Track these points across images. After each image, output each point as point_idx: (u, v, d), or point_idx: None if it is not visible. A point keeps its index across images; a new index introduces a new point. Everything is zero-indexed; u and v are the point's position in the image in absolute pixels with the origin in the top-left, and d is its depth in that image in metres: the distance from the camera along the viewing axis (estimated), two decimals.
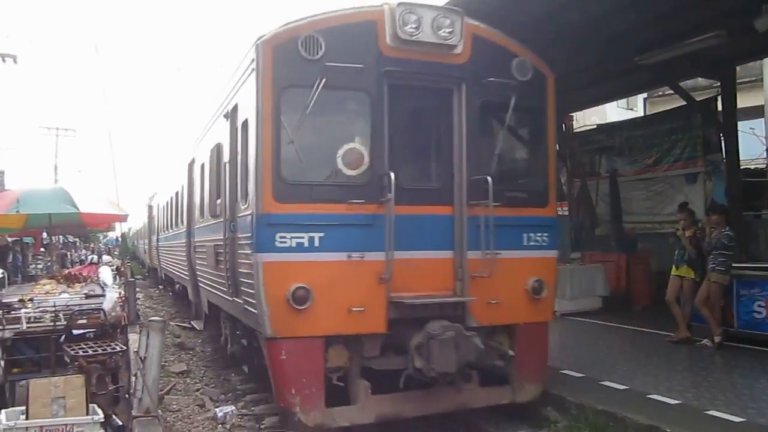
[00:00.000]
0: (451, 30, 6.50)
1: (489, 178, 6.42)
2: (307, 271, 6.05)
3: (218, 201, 8.55)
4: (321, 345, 6.14)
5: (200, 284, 10.79)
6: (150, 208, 25.86)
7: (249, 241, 6.40)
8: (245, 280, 6.72)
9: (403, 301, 6.24)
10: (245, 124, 6.82)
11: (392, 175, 6.10)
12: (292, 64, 6.11)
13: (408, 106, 6.85)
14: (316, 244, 6.13)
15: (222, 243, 7.90)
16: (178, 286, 16.67)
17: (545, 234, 7.11)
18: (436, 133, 7.00)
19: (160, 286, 25.17)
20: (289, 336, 6.09)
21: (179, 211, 14.11)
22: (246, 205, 6.67)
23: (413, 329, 6.11)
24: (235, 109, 7.51)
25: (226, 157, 8.06)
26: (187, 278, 12.55)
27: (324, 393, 6.16)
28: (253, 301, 6.34)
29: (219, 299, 8.87)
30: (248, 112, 6.63)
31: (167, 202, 17.38)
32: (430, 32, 6.43)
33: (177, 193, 14.55)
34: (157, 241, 21.81)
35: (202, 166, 10.30)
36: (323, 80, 6.06)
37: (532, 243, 7.02)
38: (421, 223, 6.56)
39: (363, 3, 6.96)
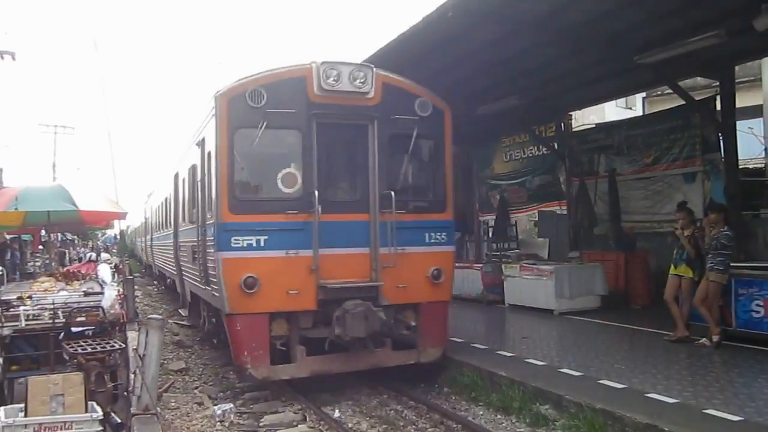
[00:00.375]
0: (364, 80, 8.55)
1: (393, 193, 8.44)
2: (255, 264, 8.06)
3: (194, 210, 10.48)
4: (266, 319, 8.16)
5: (184, 277, 12.71)
6: (145, 210, 27.65)
7: (213, 243, 8.45)
8: (212, 272, 8.71)
9: (327, 286, 8.21)
10: (209, 154, 8.92)
11: (317, 192, 8.13)
12: (241, 111, 8.16)
13: (332, 139, 8.72)
14: (262, 244, 8.15)
15: (197, 244, 9.92)
16: (168, 280, 18.63)
17: (443, 233, 9.10)
18: (354, 158, 8.96)
19: (155, 281, 26.93)
20: (242, 312, 8.14)
21: (168, 215, 16.10)
22: (211, 215, 8.72)
23: (336, 306, 8.09)
24: (203, 141, 9.54)
25: (198, 176, 10.04)
26: (175, 273, 14.49)
27: (269, 355, 8.17)
28: (217, 288, 8.43)
29: (197, 288, 10.76)
30: (211, 145, 8.75)
31: (159, 206, 19.46)
32: (348, 83, 8.47)
33: (166, 199, 16.59)
34: (151, 240, 23.82)
35: (183, 180, 12.26)
36: (265, 122, 8.10)
37: (432, 240, 8.97)
38: (344, 226, 8.52)
39: (297, 61, 9.31)
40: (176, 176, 13.68)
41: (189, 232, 11.22)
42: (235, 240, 8.10)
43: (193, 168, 10.68)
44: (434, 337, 8.89)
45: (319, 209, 8.09)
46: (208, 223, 9.02)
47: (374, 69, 8.68)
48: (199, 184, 9.95)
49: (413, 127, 8.83)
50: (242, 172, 8.36)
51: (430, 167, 9.47)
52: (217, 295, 8.59)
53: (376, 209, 8.61)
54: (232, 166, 8.19)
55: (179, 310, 15.43)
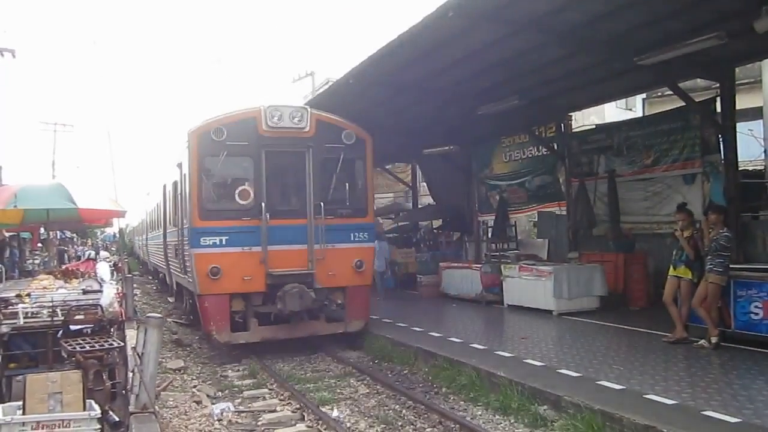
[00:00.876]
0: (300, 118, 11.28)
1: (323, 204, 11.17)
2: (219, 258, 10.71)
3: (176, 216, 13.26)
4: (227, 298, 10.84)
5: (171, 270, 15.58)
6: (143, 210, 30.14)
7: (188, 242, 11.25)
8: (188, 264, 11.51)
9: (273, 273, 10.88)
10: (185, 175, 11.53)
11: (264, 204, 10.83)
12: (207, 143, 10.84)
13: (277, 163, 11.31)
14: (224, 242, 10.79)
15: (179, 243, 12.68)
16: (160, 275, 21.44)
17: (365, 233, 11.83)
18: (295, 177, 11.54)
19: (150, 276, 29.51)
20: (209, 293, 10.85)
21: (158, 219, 18.58)
22: (186, 221, 11.38)
23: (279, 288, 10.75)
24: (180, 164, 12.19)
25: (178, 190, 12.71)
26: (164, 267, 17.61)
27: (230, 324, 10.89)
28: (191, 276, 11.27)
29: (179, 278, 13.85)
30: (186, 169, 11.42)
31: (152, 210, 22.30)
32: (288, 121, 11.19)
33: (157, 205, 19.05)
34: (146, 239, 26.58)
35: (169, 191, 14.80)
36: (225, 152, 10.83)
37: (356, 239, 11.62)
38: (287, 229, 11.11)
39: (251, 104, 11.73)
40: (164, 187, 16.12)
41: (173, 234, 13.88)
42: (204, 239, 10.77)
43: (175, 183, 13.29)
44: (358, 312, 11.72)
45: (267, 216, 10.81)
46: (184, 227, 11.65)
47: (309, 109, 11.55)
48: (179, 196, 12.60)
49: (340, 153, 11.49)
50: (209, 189, 11.06)
51: (354, 183, 11.94)
52: (191, 281, 11.46)
53: (311, 216, 11.23)
54: (201, 184, 10.93)
55: (169, 299, 18.74)
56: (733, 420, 5.81)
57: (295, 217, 11.26)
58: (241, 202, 10.97)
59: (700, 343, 9.11)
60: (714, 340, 8.95)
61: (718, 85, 12.23)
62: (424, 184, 24.83)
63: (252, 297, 11.01)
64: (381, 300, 16.51)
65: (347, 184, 11.78)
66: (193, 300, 12.41)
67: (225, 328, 10.80)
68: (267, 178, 11.04)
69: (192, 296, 12.38)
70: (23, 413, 5.27)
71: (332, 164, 11.45)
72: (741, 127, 12.77)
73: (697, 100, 12.64)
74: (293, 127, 11.17)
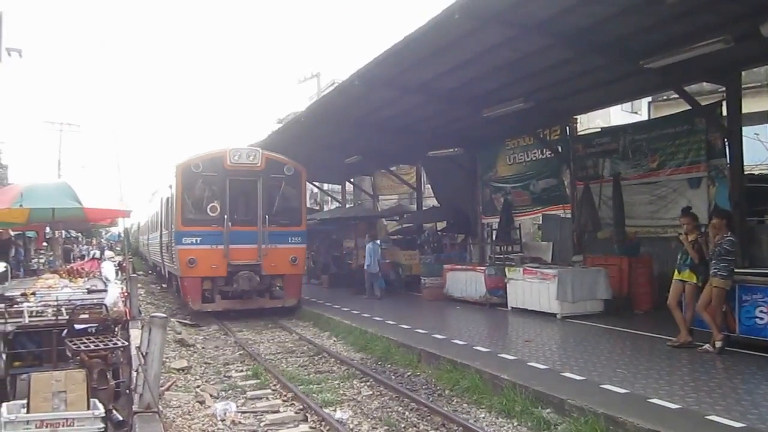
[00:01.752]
0: (254, 156, 16.37)
1: (267, 216, 16.11)
2: (194, 252, 15.49)
3: (167, 222, 18.06)
4: (200, 280, 15.70)
5: (164, 262, 20.52)
6: (146, 215, 34.90)
7: (174, 241, 16.15)
8: (174, 257, 16.28)
9: (232, 263, 15.65)
10: (173, 194, 16.40)
11: (226, 216, 15.72)
12: (189, 174, 15.92)
13: (238, 188, 16.22)
14: (198, 242, 15.61)
15: (169, 242, 17.58)
16: (157, 268, 26.65)
17: (298, 237, 16.72)
18: (250, 198, 16.33)
19: (150, 271, 33.84)
20: (187, 276, 15.71)
21: (157, 223, 22.79)
22: (174, 226, 16.18)
23: (236, 274, 15.58)
24: (171, 186, 16.80)
25: (170, 204, 17.31)
26: (160, 262, 22.52)
27: (201, 298, 15.73)
28: (176, 265, 16.19)
29: (170, 267, 18.89)
30: (174, 190, 16.27)
31: (153, 215, 26.62)
32: (245, 158, 16.25)
33: (156, 213, 23.48)
34: (148, 239, 30.76)
35: (164, 203, 19.30)
36: (201, 179, 15.94)
37: (292, 241, 16.48)
38: (243, 233, 15.90)
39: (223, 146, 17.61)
40: (161, 199, 20.39)
41: (166, 235, 18.60)
42: (185, 239, 15.68)
43: (168, 198, 17.90)
44: (293, 293, 16.59)
45: (229, 224, 15.71)
46: (173, 230, 16.37)
47: (260, 150, 16.78)
48: (170, 209, 17.25)
49: (282, 181, 16.63)
50: (188, 204, 15.95)
51: (291, 201, 16.92)
52: (176, 268, 16.48)
53: (260, 224, 16.12)
54: (183, 201, 15.89)
55: (162, 285, 24.91)
56: (738, 425, 5.79)
57: (249, 225, 16.07)
58: (211, 214, 15.84)
59: (704, 347, 9.08)
60: (718, 344, 8.91)
61: (724, 88, 12.21)
62: (429, 186, 24.81)
63: (217, 279, 15.84)
64: (376, 300, 17.78)
65: (286, 203, 16.72)
66: (177, 282, 17.69)
67: (198, 300, 15.75)
68: (229, 198, 16.01)
69: (177, 279, 17.57)
70: (27, 412, 5.29)
71: (276, 189, 16.54)
72: (747, 131, 12.77)
73: (703, 104, 12.60)
74: (249, 163, 16.26)
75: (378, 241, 19.45)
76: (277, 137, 21.97)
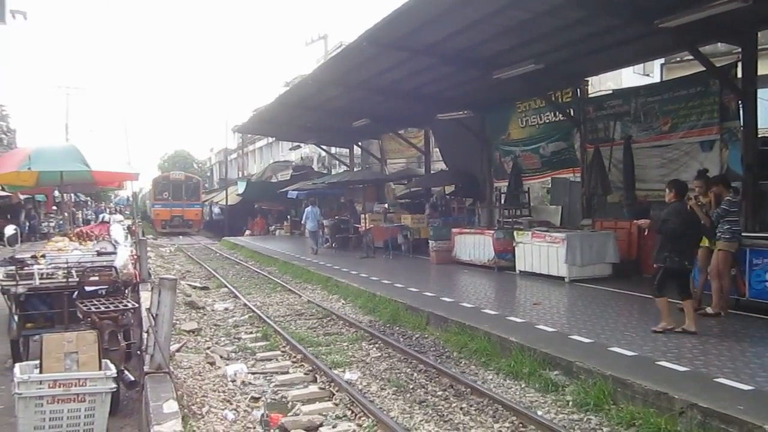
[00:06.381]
0: (181, 175, 44.89)
1: (186, 197, 43.62)
2: (160, 211, 45.01)
3: (151, 197, 46.83)
4: (161, 222, 44.57)
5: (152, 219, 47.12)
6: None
7: (151, 207, 47.94)
8: (149, 212, 50.16)
9: (173, 216, 44.54)
10: (151, 190, 47.31)
11: (170, 198, 44.21)
12: (159, 184, 43.66)
13: (175, 188, 43.32)
14: (161, 206, 43.70)
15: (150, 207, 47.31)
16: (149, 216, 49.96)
17: (199, 205, 45.49)
18: (179, 190, 43.69)
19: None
20: (157, 219, 45.62)
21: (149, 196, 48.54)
22: (150, 201, 48.46)
23: (173, 218, 44.84)
24: (152, 184, 46.03)
25: (152, 191, 46.33)
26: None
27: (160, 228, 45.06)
28: (151, 215, 48.57)
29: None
30: (151, 187, 46.58)
31: (149, 191, 49.26)
32: (177, 176, 44.79)
33: (149, 191, 48.91)
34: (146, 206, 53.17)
35: (151, 189, 46.27)
36: (162, 184, 44.42)
37: (194, 206, 44.41)
38: (176, 204, 42.77)
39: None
40: (151, 185, 45.68)
41: (149, 206, 47.60)
42: (155, 207, 43.37)
43: (152, 188, 45.28)
44: (197, 225, 45.02)
45: (171, 200, 41.93)
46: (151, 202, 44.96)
47: (183, 173, 46.43)
48: (152, 192, 45.43)
49: (192, 184, 43.67)
50: (158, 200, 42.96)
51: (196, 193, 43.58)
52: (153, 219, 44.99)
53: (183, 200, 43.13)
54: (155, 192, 43.40)
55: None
56: (746, 387, 5.79)
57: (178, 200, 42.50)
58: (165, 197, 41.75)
59: (705, 309, 9.04)
60: (711, 310, 8.88)
61: (739, 49, 11.95)
62: (437, 149, 24.65)
63: (166, 221, 42.08)
64: (314, 254, 21.20)
65: (194, 193, 43.13)
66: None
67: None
68: (172, 193, 41.79)
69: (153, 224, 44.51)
70: (40, 372, 5.34)
71: (196, 189, 43.40)
72: (762, 93, 12.49)
73: (717, 65, 12.35)
74: (180, 178, 43.10)
75: (316, 206, 23.58)
76: (283, 99, 21.82)
